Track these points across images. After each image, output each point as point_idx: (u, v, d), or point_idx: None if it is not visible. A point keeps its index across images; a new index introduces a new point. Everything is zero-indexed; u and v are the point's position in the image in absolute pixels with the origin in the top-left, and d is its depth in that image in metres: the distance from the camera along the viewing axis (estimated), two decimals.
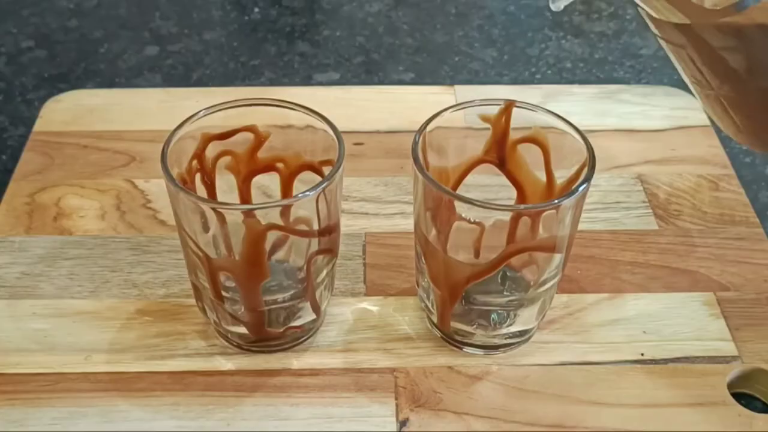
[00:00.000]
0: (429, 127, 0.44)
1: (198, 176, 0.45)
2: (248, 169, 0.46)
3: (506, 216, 0.43)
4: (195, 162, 0.44)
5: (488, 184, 0.43)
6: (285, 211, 0.41)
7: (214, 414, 0.43)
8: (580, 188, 0.40)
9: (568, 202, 0.40)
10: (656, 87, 0.65)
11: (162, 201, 0.54)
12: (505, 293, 0.45)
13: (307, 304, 0.44)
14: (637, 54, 0.72)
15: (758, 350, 0.46)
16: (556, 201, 0.40)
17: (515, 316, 0.44)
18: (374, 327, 0.47)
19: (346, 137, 0.43)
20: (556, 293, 0.47)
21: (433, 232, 0.42)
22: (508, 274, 0.45)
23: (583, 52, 0.72)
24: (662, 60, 0.71)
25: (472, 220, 0.44)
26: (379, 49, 0.72)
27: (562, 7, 0.41)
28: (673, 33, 0.40)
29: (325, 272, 0.44)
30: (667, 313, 0.48)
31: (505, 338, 0.45)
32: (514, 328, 0.45)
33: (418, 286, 0.47)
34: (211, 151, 0.45)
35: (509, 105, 0.45)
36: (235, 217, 0.41)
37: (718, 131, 0.62)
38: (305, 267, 0.43)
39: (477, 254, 0.45)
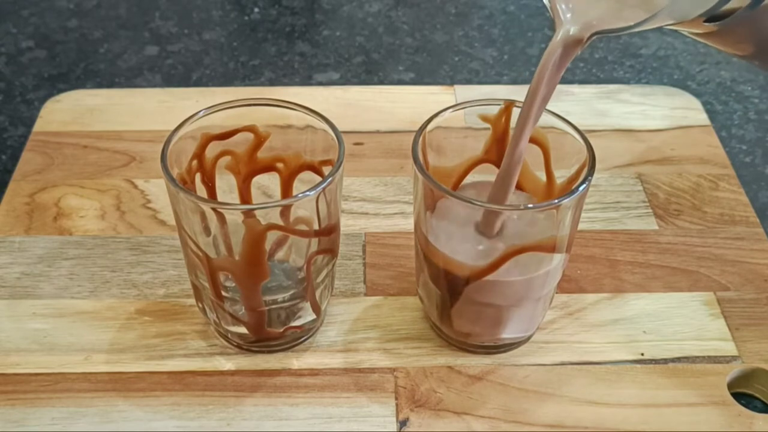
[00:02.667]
0: (429, 127, 0.44)
1: (198, 176, 0.45)
2: (248, 169, 0.46)
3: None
4: (195, 162, 0.44)
5: (488, 183, 0.43)
6: (285, 211, 0.41)
7: (214, 414, 0.43)
8: (580, 188, 0.40)
9: (568, 202, 0.40)
10: (656, 87, 0.65)
11: (162, 201, 0.54)
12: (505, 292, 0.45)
13: (307, 304, 0.44)
14: (637, 54, 0.72)
15: (758, 350, 0.46)
16: (556, 201, 0.40)
17: (515, 316, 0.44)
18: (374, 327, 0.47)
19: (346, 137, 0.43)
20: (556, 293, 0.48)
21: (433, 232, 0.42)
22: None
23: (583, 52, 0.72)
24: (662, 60, 0.71)
25: None
26: (379, 49, 0.72)
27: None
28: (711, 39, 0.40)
29: (325, 272, 0.44)
30: (667, 313, 0.48)
31: (505, 338, 0.45)
32: (513, 328, 0.45)
33: (418, 286, 0.47)
34: (211, 151, 0.45)
35: (509, 105, 0.45)
36: (235, 217, 0.41)
37: (718, 131, 0.62)
38: (305, 267, 0.43)
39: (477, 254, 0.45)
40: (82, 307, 0.48)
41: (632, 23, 0.35)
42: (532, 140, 0.45)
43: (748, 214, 0.54)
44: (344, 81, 0.68)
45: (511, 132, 0.45)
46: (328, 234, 0.43)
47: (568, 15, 0.38)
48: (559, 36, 0.38)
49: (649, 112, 0.62)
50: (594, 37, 0.37)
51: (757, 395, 0.45)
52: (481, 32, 0.74)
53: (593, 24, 0.37)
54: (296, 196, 0.40)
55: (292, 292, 0.44)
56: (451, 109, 0.44)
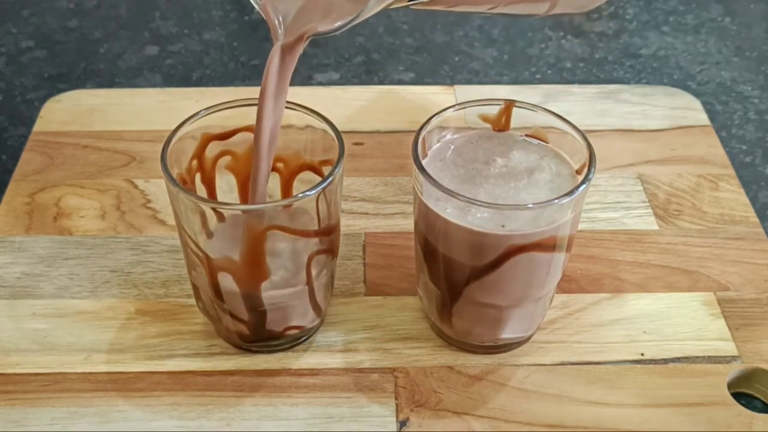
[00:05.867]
0: (429, 127, 0.44)
1: (198, 176, 0.45)
2: (248, 169, 0.46)
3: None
4: (195, 162, 0.44)
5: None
6: (285, 211, 0.41)
7: (213, 414, 0.43)
8: (580, 188, 0.40)
9: (568, 202, 0.40)
10: (656, 87, 0.65)
11: (162, 201, 0.54)
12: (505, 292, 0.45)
13: (307, 304, 0.44)
14: (637, 54, 0.72)
15: (758, 350, 0.46)
16: (556, 201, 0.40)
17: (515, 316, 0.44)
18: (374, 327, 0.47)
19: (346, 137, 0.43)
20: (556, 293, 0.48)
21: (434, 231, 0.42)
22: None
23: (583, 52, 0.72)
24: (662, 60, 0.71)
25: None
26: (379, 49, 0.72)
27: None
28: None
29: (325, 272, 0.44)
30: (667, 313, 0.48)
31: (506, 338, 0.45)
32: (513, 328, 0.45)
33: (418, 286, 0.47)
34: (211, 151, 0.45)
35: (509, 105, 0.45)
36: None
37: (718, 131, 0.62)
38: (305, 267, 0.43)
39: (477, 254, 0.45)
40: (82, 307, 0.48)
41: (344, 21, 0.36)
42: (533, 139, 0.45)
43: (748, 214, 0.54)
44: (344, 81, 0.68)
45: (511, 130, 0.45)
46: (328, 234, 0.43)
47: (281, 28, 0.40)
48: (276, 47, 0.39)
49: (649, 112, 0.62)
50: (309, 39, 0.39)
51: (757, 395, 0.45)
52: (481, 32, 0.74)
53: (305, 32, 0.39)
54: (296, 196, 0.40)
55: (292, 292, 0.44)
56: (451, 109, 0.44)
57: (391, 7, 0.39)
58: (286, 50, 0.39)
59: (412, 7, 0.41)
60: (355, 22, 0.36)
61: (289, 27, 0.40)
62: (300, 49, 0.39)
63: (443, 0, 0.42)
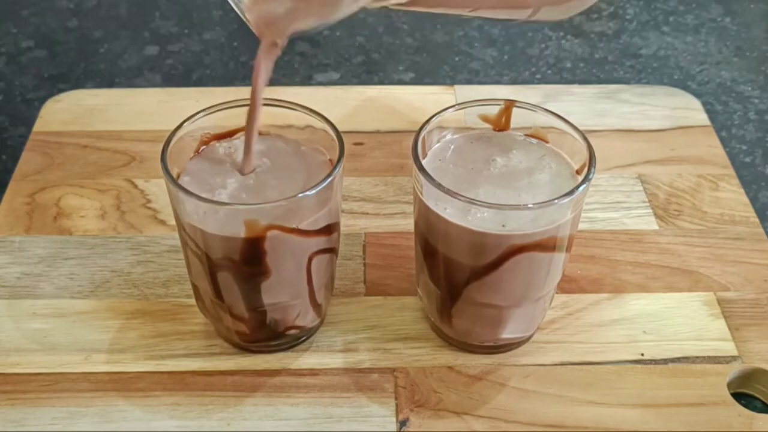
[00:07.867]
0: (429, 127, 0.44)
1: None
2: None
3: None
4: None
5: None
6: (285, 211, 0.41)
7: (214, 414, 0.43)
8: (580, 188, 0.40)
9: (568, 202, 0.40)
10: (656, 87, 0.65)
11: (162, 201, 0.54)
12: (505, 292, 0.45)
13: (308, 304, 0.44)
14: (637, 54, 0.72)
15: (758, 350, 0.46)
16: (556, 201, 0.40)
17: (515, 316, 0.44)
18: (374, 327, 0.47)
19: (346, 137, 0.43)
20: (556, 293, 0.48)
21: (434, 231, 0.42)
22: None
23: (583, 52, 0.72)
24: (662, 60, 0.71)
25: None
26: (379, 49, 0.72)
27: None
28: None
29: (325, 272, 0.44)
30: (667, 313, 0.48)
31: (505, 338, 0.45)
32: (513, 328, 0.45)
33: (418, 286, 0.47)
34: None
35: (509, 105, 0.45)
36: None
37: (718, 131, 0.62)
38: (305, 267, 0.43)
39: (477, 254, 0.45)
40: (82, 307, 0.48)
41: (324, 19, 0.37)
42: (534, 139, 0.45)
43: (748, 214, 0.54)
44: (344, 81, 0.68)
45: (511, 130, 0.45)
46: (328, 234, 0.43)
47: (262, 27, 0.40)
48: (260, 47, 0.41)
49: (649, 112, 0.62)
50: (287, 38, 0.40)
51: (757, 395, 0.45)
52: (481, 32, 0.74)
53: (286, 30, 0.40)
54: (296, 195, 0.40)
55: (292, 292, 0.44)
56: (451, 109, 0.44)
57: (368, 7, 0.39)
58: (267, 48, 0.41)
59: (390, 7, 0.41)
60: (328, 23, 0.36)
61: (270, 29, 0.40)
62: (279, 49, 0.40)
63: (420, 1, 0.42)
